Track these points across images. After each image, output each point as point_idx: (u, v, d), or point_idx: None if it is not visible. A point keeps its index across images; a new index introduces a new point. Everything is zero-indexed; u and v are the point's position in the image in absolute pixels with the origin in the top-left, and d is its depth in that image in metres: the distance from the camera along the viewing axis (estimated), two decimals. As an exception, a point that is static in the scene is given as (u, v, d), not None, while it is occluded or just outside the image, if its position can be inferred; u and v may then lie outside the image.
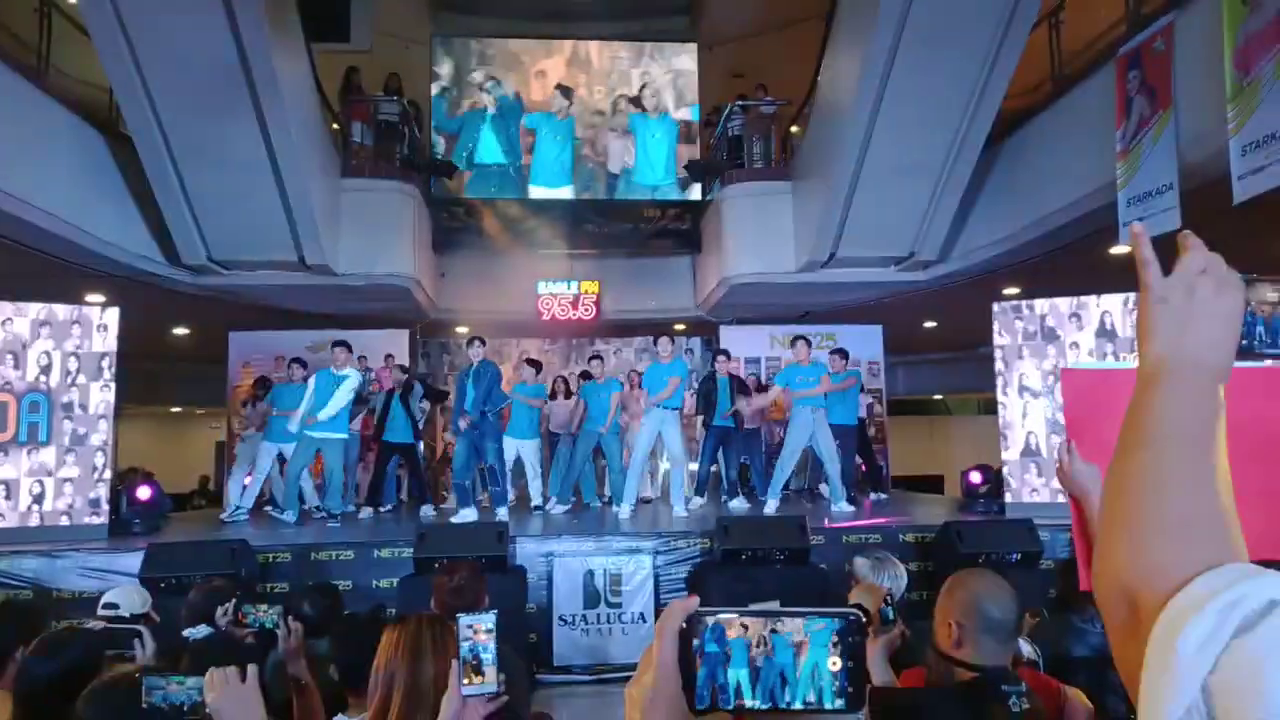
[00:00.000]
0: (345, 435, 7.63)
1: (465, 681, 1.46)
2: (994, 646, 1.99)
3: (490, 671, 1.46)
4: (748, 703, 0.71)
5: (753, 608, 0.73)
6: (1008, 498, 7.23)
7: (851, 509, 7.62)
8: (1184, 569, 0.62)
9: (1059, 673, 2.64)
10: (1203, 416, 0.72)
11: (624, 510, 7.58)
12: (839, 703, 0.70)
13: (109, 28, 6.31)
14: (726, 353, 8.72)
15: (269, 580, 5.70)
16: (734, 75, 12.08)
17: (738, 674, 0.71)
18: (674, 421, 7.69)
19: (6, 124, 6.31)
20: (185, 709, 1.76)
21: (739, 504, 8.15)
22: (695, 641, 0.72)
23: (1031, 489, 7.15)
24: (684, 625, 0.72)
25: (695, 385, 9.26)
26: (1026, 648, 2.92)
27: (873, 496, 8.87)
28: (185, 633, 3.08)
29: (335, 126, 9.54)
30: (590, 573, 6.03)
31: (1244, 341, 0.79)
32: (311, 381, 7.49)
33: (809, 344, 7.95)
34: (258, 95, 6.88)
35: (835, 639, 0.71)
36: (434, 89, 11.07)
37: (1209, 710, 0.55)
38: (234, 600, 3.09)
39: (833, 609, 0.73)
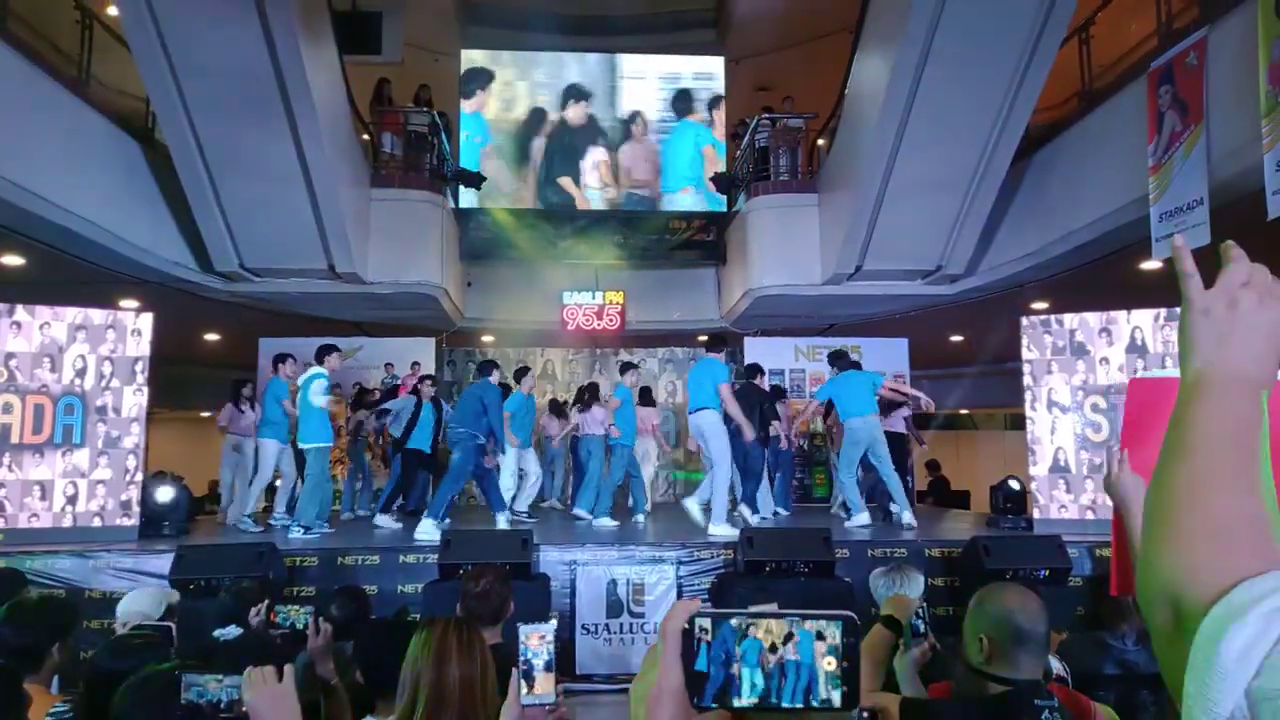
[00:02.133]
0: (330, 444, 7.52)
1: (525, 690, 1.46)
2: (1026, 661, 1.96)
3: (548, 681, 1.45)
4: (747, 700, 0.73)
5: (752, 609, 0.76)
6: (1036, 514, 7.15)
7: (866, 521, 7.48)
8: (1226, 575, 0.62)
9: (1088, 690, 2.62)
10: (1244, 427, 0.73)
11: (697, 512, 7.09)
12: (835, 701, 0.73)
13: (148, 40, 6.46)
14: (762, 371, 8.67)
15: (296, 584, 5.74)
16: (759, 88, 12.13)
17: (737, 673, 0.74)
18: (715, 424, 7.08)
19: (48, 133, 6.46)
20: (222, 706, 1.79)
21: (744, 512, 8.09)
22: (698, 641, 0.74)
23: (1060, 505, 7.06)
24: (686, 625, 0.75)
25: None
26: (1055, 664, 2.90)
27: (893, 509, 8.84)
28: (216, 633, 3.12)
29: (366, 137, 9.67)
30: (613, 582, 6.02)
31: None
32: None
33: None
34: (291, 106, 7.00)
35: (832, 640, 0.74)
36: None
37: (1253, 715, 0.55)
38: (266, 602, 3.13)
39: (829, 611, 0.75)
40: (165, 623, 3.36)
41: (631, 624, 5.94)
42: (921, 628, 2.34)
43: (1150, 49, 6.53)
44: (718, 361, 7.27)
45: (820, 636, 0.74)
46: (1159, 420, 1.54)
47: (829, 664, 0.74)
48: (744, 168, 10.48)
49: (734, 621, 0.75)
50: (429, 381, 8.89)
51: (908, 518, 7.35)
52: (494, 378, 7.76)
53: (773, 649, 0.74)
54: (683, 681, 0.75)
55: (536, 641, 1.46)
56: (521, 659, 1.46)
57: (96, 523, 6.62)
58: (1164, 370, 6.68)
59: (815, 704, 0.73)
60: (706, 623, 0.75)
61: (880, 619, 2.42)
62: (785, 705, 0.73)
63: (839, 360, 7.99)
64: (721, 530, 6.71)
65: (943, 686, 2.42)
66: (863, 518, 7.43)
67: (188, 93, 6.84)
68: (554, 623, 1.50)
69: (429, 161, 9.84)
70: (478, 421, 7.43)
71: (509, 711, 1.52)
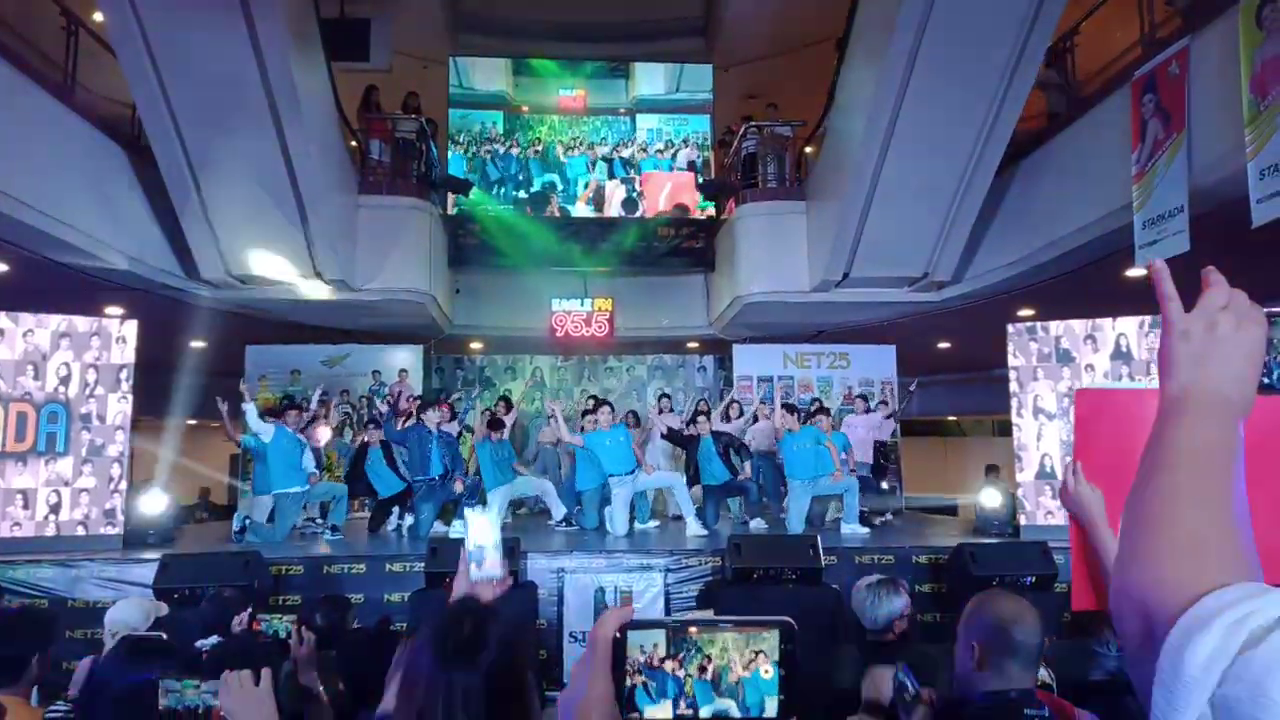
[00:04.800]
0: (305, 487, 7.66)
1: (474, 566, 1.58)
2: (1016, 670, 1.95)
3: (495, 559, 1.57)
4: (680, 711, 0.73)
5: (688, 616, 0.75)
6: (1022, 520, 7.18)
7: (865, 531, 7.59)
8: (1194, 587, 0.64)
9: (1074, 697, 2.62)
10: (1219, 447, 0.74)
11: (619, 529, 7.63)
12: (772, 711, 0.73)
13: (133, 45, 6.43)
14: (708, 413, 8.65)
15: (281, 592, 5.71)
16: (748, 96, 12.17)
17: (672, 682, 0.73)
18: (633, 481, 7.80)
19: (32, 139, 6.41)
20: (200, 713, 1.77)
21: (757, 524, 8.08)
22: (632, 650, 0.73)
23: (1046, 511, 7.09)
24: (618, 634, 0.74)
25: (693, 407, 9.47)
26: (1041, 671, 2.89)
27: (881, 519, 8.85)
28: (198, 644, 3.10)
29: (354, 144, 9.65)
30: (601, 589, 6.01)
31: (1264, 380, 0.80)
32: (270, 431, 7.49)
33: (793, 411, 8.01)
34: (278, 112, 6.97)
35: (769, 648, 0.73)
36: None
37: None
38: (249, 610, 3.10)
39: (767, 618, 0.74)
40: (156, 633, 3.33)
41: (619, 632, 5.92)
42: (909, 686, 2.23)
43: (1134, 58, 6.58)
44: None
45: (759, 644, 0.74)
46: (1107, 430, 1.56)
47: (766, 673, 0.73)
48: (732, 175, 10.50)
49: (667, 629, 0.74)
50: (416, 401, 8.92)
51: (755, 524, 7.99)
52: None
53: (710, 658, 0.73)
54: (611, 692, 0.73)
55: (485, 527, 1.59)
56: (472, 544, 1.57)
57: (80, 531, 6.56)
58: (1109, 382, 6.80)
59: (756, 713, 0.73)
60: (643, 631, 0.74)
61: (862, 710, 2.38)
62: (724, 715, 0.73)
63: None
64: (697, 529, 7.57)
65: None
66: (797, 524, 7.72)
67: (174, 99, 6.81)
68: (497, 508, 1.60)
69: (417, 168, 9.82)
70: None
71: (458, 584, 1.61)
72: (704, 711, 0.72)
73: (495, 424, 7.96)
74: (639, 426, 9.54)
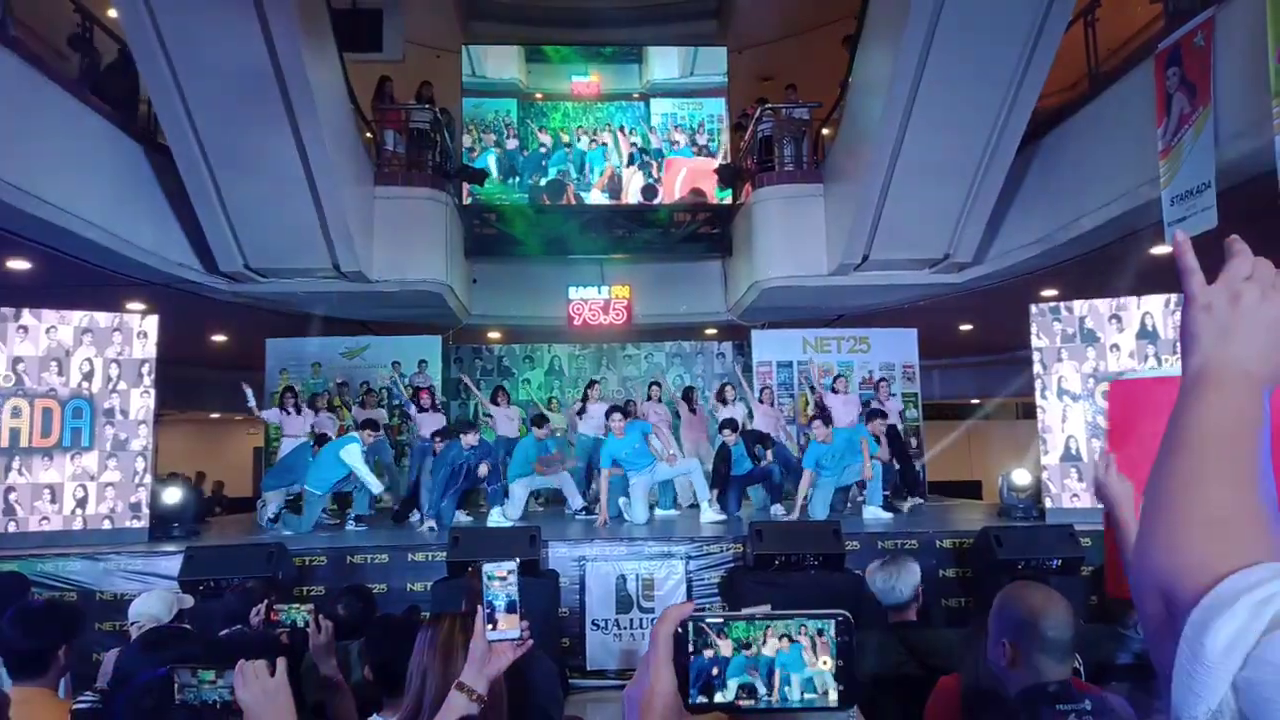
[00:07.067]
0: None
1: (489, 627, 1.50)
2: (1051, 665, 1.94)
3: (512, 618, 1.49)
4: (742, 702, 0.74)
5: (745, 611, 0.77)
6: (1048, 503, 7.09)
7: (888, 516, 7.51)
8: (1217, 567, 0.62)
9: (1101, 680, 2.59)
10: (1244, 422, 0.72)
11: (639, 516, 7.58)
12: (832, 700, 0.74)
13: (147, 41, 6.45)
14: (734, 423, 8.24)
15: (305, 583, 5.75)
16: (763, 79, 12.07)
17: (732, 674, 0.75)
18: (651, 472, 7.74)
19: (48, 135, 6.45)
20: (217, 706, 1.75)
21: (778, 510, 8.01)
22: (691, 643, 0.75)
23: (1072, 494, 7.00)
24: (679, 630, 0.76)
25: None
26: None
27: (909, 502, 8.73)
28: (221, 634, 3.12)
29: (368, 135, 9.65)
30: (622, 577, 6.01)
31: None
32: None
33: (826, 423, 7.68)
34: (292, 105, 6.98)
35: (826, 639, 0.75)
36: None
37: (1239, 706, 0.56)
38: (266, 601, 3.12)
39: (823, 610, 0.76)
40: (179, 625, 3.35)
41: (642, 619, 5.93)
42: None
43: (1157, 30, 6.44)
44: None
45: (814, 636, 0.75)
46: (1142, 420, 1.53)
47: (824, 663, 0.74)
48: (748, 159, 10.42)
49: (723, 622, 0.76)
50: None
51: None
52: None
53: (764, 648, 0.75)
54: (675, 685, 0.75)
55: (499, 583, 1.49)
56: (485, 599, 1.49)
57: (106, 525, 6.64)
58: (1142, 370, 6.68)
59: (811, 703, 0.74)
60: (701, 624, 0.76)
61: None
62: (780, 705, 0.74)
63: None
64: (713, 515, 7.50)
65: (951, 679, 2.39)
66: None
67: (188, 94, 6.83)
68: (516, 560, 1.52)
69: (432, 158, 9.82)
70: None
71: (476, 645, 1.55)
72: (764, 701, 0.74)
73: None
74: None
